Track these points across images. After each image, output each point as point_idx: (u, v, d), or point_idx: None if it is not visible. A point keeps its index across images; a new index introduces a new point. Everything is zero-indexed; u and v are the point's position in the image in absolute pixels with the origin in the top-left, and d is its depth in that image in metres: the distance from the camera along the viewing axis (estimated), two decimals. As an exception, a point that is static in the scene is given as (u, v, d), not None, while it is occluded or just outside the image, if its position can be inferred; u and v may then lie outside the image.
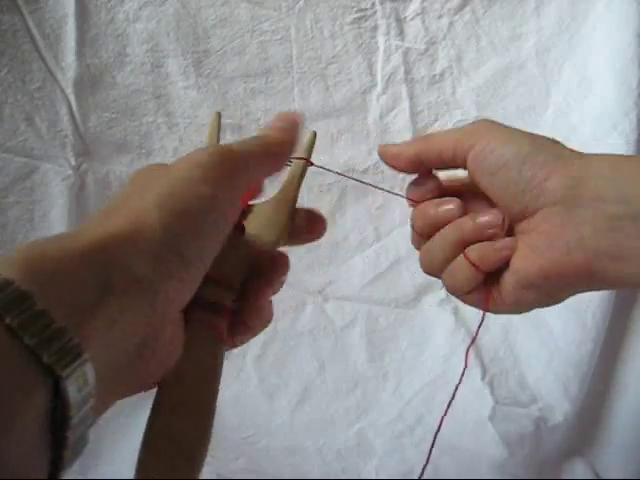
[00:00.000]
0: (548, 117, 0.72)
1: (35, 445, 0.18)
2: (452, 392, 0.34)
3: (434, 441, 0.33)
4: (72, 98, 0.66)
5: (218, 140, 0.34)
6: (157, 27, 0.67)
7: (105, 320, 0.20)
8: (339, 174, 0.37)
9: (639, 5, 0.64)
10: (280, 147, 0.29)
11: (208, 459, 0.26)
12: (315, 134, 0.35)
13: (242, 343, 0.31)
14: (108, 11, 0.66)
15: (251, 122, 0.71)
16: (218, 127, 0.35)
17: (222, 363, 0.28)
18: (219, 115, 0.36)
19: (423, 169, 0.35)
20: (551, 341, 0.70)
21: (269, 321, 0.31)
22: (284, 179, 0.33)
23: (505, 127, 0.33)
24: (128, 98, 0.68)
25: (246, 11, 0.68)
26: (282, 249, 0.32)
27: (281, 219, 0.32)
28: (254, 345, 0.72)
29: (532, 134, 0.32)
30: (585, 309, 0.67)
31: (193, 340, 0.26)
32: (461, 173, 0.35)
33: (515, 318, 0.73)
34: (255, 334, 0.31)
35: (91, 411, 0.19)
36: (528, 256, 0.31)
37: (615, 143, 0.65)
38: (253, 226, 0.31)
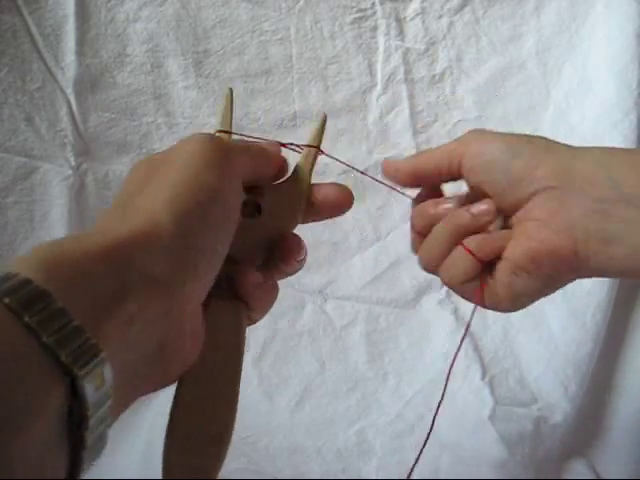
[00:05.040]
0: (548, 117, 0.72)
1: (53, 445, 0.18)
2: (453, 387, 0.34)
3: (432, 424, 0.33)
4: (72, 98, 0.66)
5: (231, 120, 0.34)
6: (157, 27, 0.67)
7: (123, 320, 0.20)
8: (349, 166, 0.39)
9: (639, 5, 0.64)
10: (265, 150, 0.31)
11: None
12: (325, 117, 0.35)
13: (254, 321, 0.31)
14: (108, 11, 0.66)
15: (251, 122, 0.71)
16: (231, 106, 0.34)
17: (244, 340, 0.29)
18: (231, 92, 0.35)
19: (424, 183, 0.37)
20: (551, 341, 0.70)
21: (271, 301, 0.31)
22: (297, 161, 0.34)
23: (493, 132, 0.34)
24: (128, 98, 0.68)
25: (246, 11, 0.68)
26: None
27: (297, 198, 0.33)
28: (254, 345, 0.72)
29: (518, 134, 0.34)
30: (585, 309, 0.67)
31: (213, 326, 0.27)
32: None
33: (515, 318, 0.73)
34: (262, 313, 0.31)
35: (109, 411, 0.19)
36: (520, 241, 0.32)
37: (615, 143, 0.65)
38: (269, 205, 0.32)
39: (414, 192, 0.38)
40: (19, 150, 0.65)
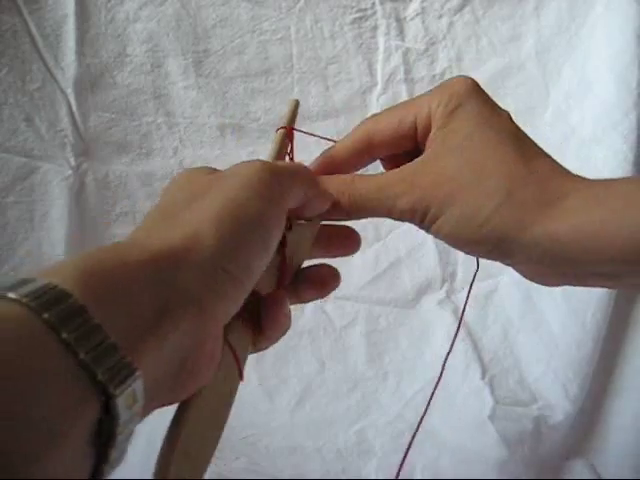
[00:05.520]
0: (548, 117, 0.72)
1: (80, 460, 0.17)
2: (448, 388, 0.34)
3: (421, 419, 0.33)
4: (72, 98, 0.66)
5: (294, 123, 0.34)
6: (157, 27, 0.67)
7: (157, 338, 0.20)
8: (322, 137, 0.36)
9: (639, 5, 0.64)
10: (318, 193, 0.30)
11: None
12: (297, 102, 0.35)
13: (260, 350, 0.31)
14: (108, 11, 0.66)
15: (251, 122, 0.71)
16: (290, 144, 0.34)
17: (243, 371, 0.28)
18: (297, 103, 0.35)
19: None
20: (551, 341, 0.70)
21: (286, 330, 0.31)
22: None
23: (484, 120, 0.30)
24: (128, 98, 0.68)
25: (246, 11, 0.68)
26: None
27: (310, 235, 0.33)
28: (254, 345, 0.72)
29: (502, 150, 0.29)
30: (585, 309, 0.67)
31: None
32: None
33: (515, 318, 0.73)
34: (272, 343, 0.31)
35: (134, 427, 0.19)
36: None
37: (614, 143, 0.65)
38: (293, 239, 0.31)
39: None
40: (19, 150, 0.65)
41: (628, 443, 0.67)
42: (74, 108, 0.66)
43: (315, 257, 0.34)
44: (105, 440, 0.18)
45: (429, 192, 0.29)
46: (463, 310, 0.35)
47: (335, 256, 0.35)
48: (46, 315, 0.17)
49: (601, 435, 0.70)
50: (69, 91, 0.66)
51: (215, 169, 0.29)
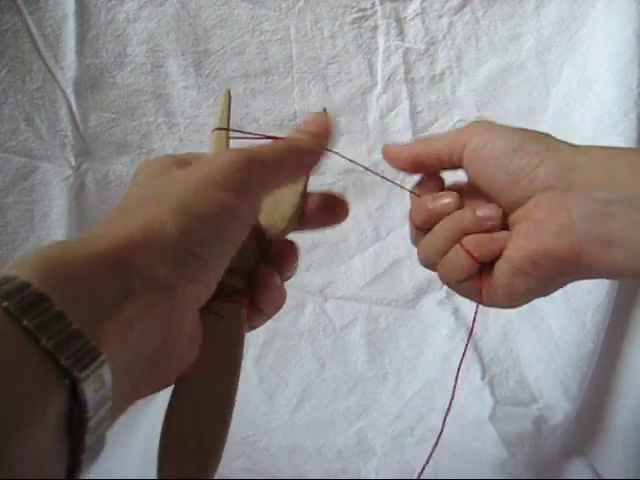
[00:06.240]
0: (548, 117, 0.72)
1: (53, 447, 0.18)
2: (453, 390, 0.34)
3: (439, 437, 0.33)
4: (72, 98, 0.66)
5: (229, 120, 0.33)
6: (157, 27, 0.67)
7: (123, 323, 0.20)
8: (356, 163, 0.38)
9: (639, 5, 0.64)
10: (309, 156, 0.30)
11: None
12: (229, 92, 0.34)
13: (257, 326, 0.31)
14: (108, 11, 0.66)
15: (251, 122, 0.71)
16: (229, 107, 0.34)
17: (242, 351, 0.28)
18: (229, 94, 0.34)
19: (424, 170, 0.36)
20: (551, 341, 0.70)
21: (281, 304, 0.31)
22: None
23: (498, 125, 0.34)
24: (128, 98, 0.68)
25: (246, 11, 0.68)
26: (292, 237, 0.33)
27: (291, 206, 0.32)
28: (254, 345, 0.72)
29: (523, 129, 0.34)
30: (585, 309, 0.67)
31: (213, 330, 0.26)
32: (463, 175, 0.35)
33: (515, 318, 0.73)
34: (269, 317, 0.31)
35: (109, 413, 0.19)
36: (519, 242, 0.32)
37: (615, 143, 0.65)
38: (264, 211, 0.31)
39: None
40: (19, 150, 0.65)
41: (628, 443, 0.67)
42: (74, 108, 0.66)
43: (304, 229, 0.33)
44: (77, 426, 0.18)
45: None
46: (472, 326, 0.35)
47: (324, 226, 0.34)
48: (5, 304, 0.17)
49: (601, 435, 0.70)
50: (69, 91, 0.66)
51: (175, 156, 0.29)
